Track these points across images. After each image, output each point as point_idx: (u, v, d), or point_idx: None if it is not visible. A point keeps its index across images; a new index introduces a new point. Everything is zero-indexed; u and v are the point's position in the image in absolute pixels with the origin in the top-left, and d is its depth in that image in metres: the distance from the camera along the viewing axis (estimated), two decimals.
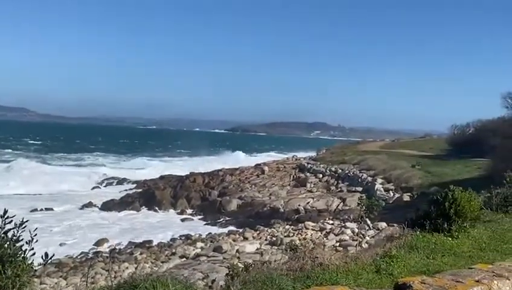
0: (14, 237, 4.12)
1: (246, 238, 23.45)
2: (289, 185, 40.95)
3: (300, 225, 24.92)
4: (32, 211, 32.23)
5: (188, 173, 53.02)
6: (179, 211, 35.83)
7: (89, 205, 36.07)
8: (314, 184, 39.75)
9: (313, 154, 60.65)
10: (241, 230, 26.36)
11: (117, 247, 24.96)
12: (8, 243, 4.09)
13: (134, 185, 47.29)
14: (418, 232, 8.55)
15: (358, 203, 26.86)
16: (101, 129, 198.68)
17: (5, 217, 4.12)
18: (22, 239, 4.21)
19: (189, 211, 36.18)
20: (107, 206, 35.81)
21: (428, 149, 54.03)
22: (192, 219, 33.40)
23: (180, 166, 63.35)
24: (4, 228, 4.15)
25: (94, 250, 24.32)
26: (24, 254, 4.19)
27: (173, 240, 25.93)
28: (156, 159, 78.29)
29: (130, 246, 24.81)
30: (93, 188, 45.29)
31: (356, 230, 20.76)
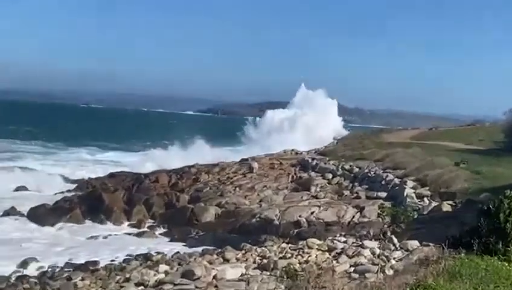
0: None
1: (226, 260, 23.44)
2: (287, 188, 40.99)
3: (301, 242, 24.92)
4: None
5: (149, 171, 52.95)
6: (134, 221, 35.83)
7: (12, 211, 35.90)
8: (321, 187, 39.82)
9: (319, 146, 60.64)
10: (220, 249, 26.35)
11: (50, 270, 24.90)
12: None
13: (74, 186, 47.13)
14: (462, 254, 8.61)
15: (380, 214, 27.02)
16: (25, 108, 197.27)
17: None
18: None
19: (149, 222, 36.16)
20: (36, 214, 35.62)
21: (477, 141, 54.28)
22: (153, 233, 33.39)
23: (137, 161, 63.17)
24: None
25: (17, 274, 24.23)
26: None
27: (127, 261, 25.92)
28: (104, 150, 78.23)
29: (68, 269, 24.75)
30: (18, 188, 45.01)
31: (377, 251, 20.83)
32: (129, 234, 33.23)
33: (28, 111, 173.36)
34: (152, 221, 36.39)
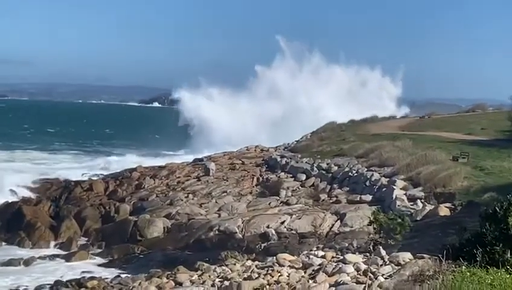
0: None
1: (179, 284, 23.42)
2: (251, 193, 41.10)
3: (270, 259, 24.99)
4: None
5: (82, 177, 52.47)
6: (63, 240, 35.56)
7: None
8: (293, 191, 40.00)
9: (289, 141, 60.83)
10: (170, 270, 26.30)
11: None
12: None
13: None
14: (463, 267, 8.72)
15: (372, 222, 27.16)
16: None
17: None
18: None
19: (82, 240, 35.90)
20: None
21: (478, 131, 55.05)
22: (87, 254, 33.12)
23: (65, 165, 62.66)
24: None
25: None
26: None
27: (55, 287, 25.76)
28: (21, 152, 77.55)
29: None
30: None
31: (363, 266, 20.97)
32: (57, 256, 32.87)
33: None
34: (85, 239, 36.15)
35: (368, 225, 29.49)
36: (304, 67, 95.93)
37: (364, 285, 17.51)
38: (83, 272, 29.19)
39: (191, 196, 40.76)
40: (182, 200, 39.90)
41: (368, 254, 22.22)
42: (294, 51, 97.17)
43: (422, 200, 31.68)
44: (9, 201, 42.25)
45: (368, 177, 37.82)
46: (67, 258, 32.35)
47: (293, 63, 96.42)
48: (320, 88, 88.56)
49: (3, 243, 35.46)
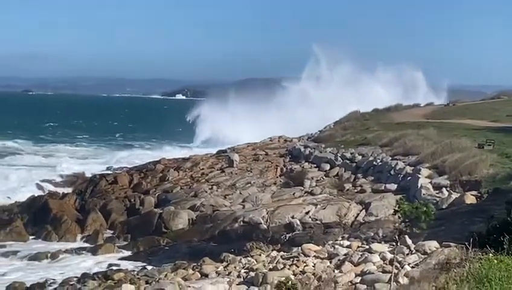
0: None
1: (205, 275, 23.47)
2: (275, 183, 41.08)
3: (295, 249, 25.00)
4: None
5: (105, 169, 52.75)
6: (89, 233, 35.72)
7: None
8: (317, 181, 39.93)
9: (313, 131, 60.65)
10: (196, 262, 26.36)
11: None
12: None
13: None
14: (490, 254, 8.64)
15: (396, 212, 27.02)
16: None
17: None
18: None
19: (108, 232, 36.09)
20: None
21: (504, 117, 54.59)
22: (113, 246, 33.27)
23: (90, 159, 63.06)
24: None
25: None
26: None
27: (83, 281, 25.85)
28: (46, 146, 78.25)
29: None
30: None
31: (389, 255, 20.92)
32: (83, 249, 33.03)
33: None
34: (111, 231, 36.33)
35: (392, 214, 29.43)
36: (337, 73, 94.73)
37: (390, 274, 17.44)
38: (110, 264, 29.40)
39: (215, 187, 40.79)
40: (206, 191, 39.92)
41: (393, 243, 22.14)
42: (328, 58, 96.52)
43: (448, 189, 31.50)
44: (36, 195, 42.59)
45: (393, 166, 37.65)
46: (94, 251, 32.52)
47: (327, 70, 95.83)
48: (354, 95, 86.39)
49: (31, 237, 35.67)
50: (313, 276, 20.12)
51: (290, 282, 15.08)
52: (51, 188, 46.47)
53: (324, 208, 33.06)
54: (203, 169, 46.24)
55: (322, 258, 22.89)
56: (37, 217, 37.80)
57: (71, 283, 25.95)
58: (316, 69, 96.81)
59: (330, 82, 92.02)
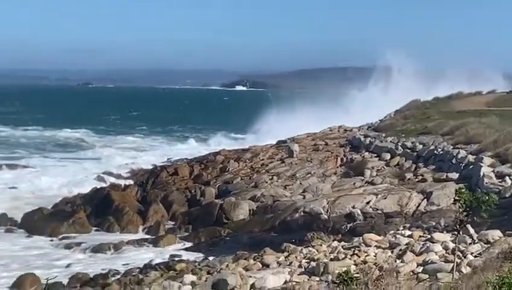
0: None
1: (266, 265, 23.59)
2: (335, 173, 40.95)
3: (356, 239, 24.98)
4: None
5: (166, 161, 53.38)
6: (151, 224, 36.14)
7: (1, 220, 36.59)
8: (378, 171, 39.69)
9: (372, 120, 60.32)
10: (257, 252, 26.50)
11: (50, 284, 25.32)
12: None
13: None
14: None
15: (456, 201, 26.78)
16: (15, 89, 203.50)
17: None
18: None
19: (169, 223, 36.51)
20: (30, 221, 36.26)
21: None
22: (175, 237, 33.59)
23: (151, 150, 63.97)
24: None
25: None
26: None
27: (145, 272, 26.20)
28: (108, 138, 79.69)
29: (74, 285, 25.10)
30: (10, 187, 45.89)
31: (451, 245, 20.77)
32: (145, 240, 33.42)
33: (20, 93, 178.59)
34: (172, 222, 36.70)
35: (453, 203, 29.16)
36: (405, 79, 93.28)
37: (452, 264, 17.33)
38: (171, 255, 29.69)
39: (275, 178, 40.85)
40: (267, 182, 40.03)
41: (455, 233, 21.96)
42: (398, 63, 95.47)
43: (511, 177, 31.07)
44: (98, 187, 43.32)
45: (454, 155, 37.22)
46: (155, 242, 32.85)
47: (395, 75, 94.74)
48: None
49: (93, 229, 36.27)
50: (374, 266, 20.09)
51: (350, 272, 15.08)
52: (113, 179, 47.24)
53: (385, 198, 32.91)
54: (263, 160, 46.36)
55: (383, 248, 22.85)
56: (100, 208, 38.43)
57: (133, 273, 26.31)
58: (383, 75, 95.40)
59: (397, 87, 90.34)
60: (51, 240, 33.97)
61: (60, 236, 34.51)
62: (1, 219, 36.57)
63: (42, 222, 36.05)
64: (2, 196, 42.44)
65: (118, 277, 26.16)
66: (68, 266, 29.18)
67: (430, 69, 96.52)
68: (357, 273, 13.71)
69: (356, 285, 7.26)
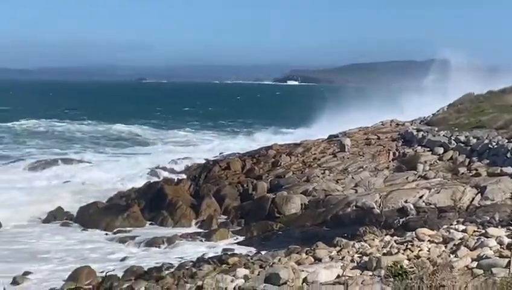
0: None
1: (318, 260, 23.53)
2: (388, 168, 40.75)
3: (409, 234, 24.77)
4: None
5: (218, 155, 53.68)
6: (204, 218, 36.45)
7: (57, 214, 37.20)
8: (431, 165, 39.37)
9: (425, 114, 59.79)
10: (309, 246, 26.49)
11: (107, 280, 25.71)
12: None
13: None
14: None
15: None
16: (74, 84, 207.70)
17: None
18: None
19: (222, 218, 36.78)
20: (85, 215, 36.87)
21: None
22: (227, 231, 33.85)
23: (203, 144, 64.56)
24: None
25: (71, 286, 25.11)
26: None
27: (198, 265, 26.37)
28: (161, 132, 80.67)
29: (129, 278, 25.43)
30: (66, 182, 46.70)
31: (506, 240, 20.52)
32: (198, 234, 33.71)
33: (79, 89, 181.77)
34: (225, 217, 36.95)
35: (509, 198, 28.85)
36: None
37: (508, 259, 17.15)
38: (224, 249, 29.90)
39: (327, 172, 40.79)
40: (318, 176, 40.00)
41: (511, 228, 21.75)
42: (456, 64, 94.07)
43: None
44: (151, 181, 43.78)
45: (509, 149, 36.76)
46: (208, 236, 33.10)
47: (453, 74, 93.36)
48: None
49: (147, 223, 36.71)
50: (427, 261, 19.94)
51: (402, 265, 15.04)
52: (166, 174, 47.67)
53: (438, 192, 32.69)
54: (315, 154, 46.29)
55: (436, 243, 22.64)
56: (153, 202, 38.83)
57: (187, 267, 26.51)
58: (438, 69, 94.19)
59: (452, 81, 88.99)
60: (106, 234, 34.54)
61: (115, 230, 35.05)
62: (57, 213, 37.27)
63: (97, 215, 36.64)
64: (58, 190, 43.19)
65: (172, 270, 26.39)
66: (123, 259, 29.64)
67: (486, 63, 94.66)
68: (412, 267, 13.67)
69: (411, 279, 7.24)
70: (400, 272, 10.57)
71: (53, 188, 44.55)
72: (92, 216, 36.62)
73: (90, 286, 25.06)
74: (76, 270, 26.54)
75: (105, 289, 24.34)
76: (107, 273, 26.50)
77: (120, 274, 26.31)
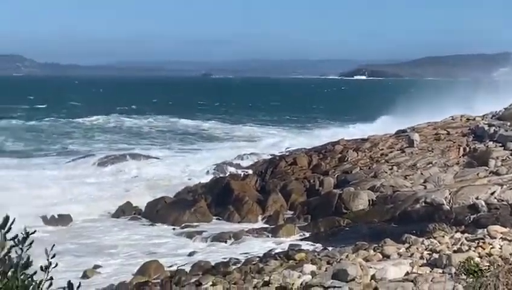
0: (23, 261, 4.32)
1: (386, 256, 23.36)
2: (458, 163, 40.16)
3: (480, 231, 24.44)
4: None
5: (284, 151, 53.63)
6: (270, 214, 36.44)
7: (126, 208, 37.71)
8: (503, 160, 38.66)
9: (497, 109, 58.71)
10: (377, 243, 26.29)
11: (175, 271, 25.99)
12: (14, 269, 4.29)
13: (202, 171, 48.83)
14: None
15: None
16: (142, 80, 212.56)
17: (8, 227, 4.30)
18: (32, 263, 4.42)
19: (288, 213, 36.69)
20: (153, 210, 37.25)
21: None
22: (294, 227, 33.74)
23: (269, 140, 64.76)
24: (5, 246, 4.35)
25: (140, 280, 25.43)
26: (39, 288, 4.39)
27: (265, 261, 26.38)
28: (231, 128, 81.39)
29: (196, 273, 25.60)
30: (134, 177, 47.33)
31: None
32: (264, 229, 33.78)
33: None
34: (291, 212, 36.82)
35: None
36: None
37: None
38: (291, 245, 29.83)
39: (395, 168, 40.37)
40: (386, 172, 39.62)
41: None
42: None
43: None
44: (218, 176, 44.02)
45: None
46: (274, 231, 33.10)
47: None
48: None
49: (214, 218, 36.91)
50: (500, 258, 19.56)
51: (475, 263, 14.74)
52: (232, 169, 47.84)
53: (511, 189, 32.12)
54: (382, 149, 45.87)
55: (509, 241, 22.27)
56: (220, 198, 38.97)
57: (253, 262, 26.57)
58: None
59: None
60: (173, 229, 34.88)
61: (182, 225, 35.34)
62: (126, 208, 37.77)
63: (165, 210, 37.01)
64: (127, 185, 43.85)
65: (239, 265, 26.51)
66: (190, 254, 29.85)
67: None
68: (488, 264, 13.39)
69: (486, 277, 7.04)
70: (475, 269, 10.31)
71: (122, 183, 45.21)
72: (160, 211, 37.02)
73: (159, 280, 25.37)
74: (145, 264, 26.90)
75: (174, 284, 24.55)
76: (178, 268, 26.80)
77: (188, 269, 26.54)
